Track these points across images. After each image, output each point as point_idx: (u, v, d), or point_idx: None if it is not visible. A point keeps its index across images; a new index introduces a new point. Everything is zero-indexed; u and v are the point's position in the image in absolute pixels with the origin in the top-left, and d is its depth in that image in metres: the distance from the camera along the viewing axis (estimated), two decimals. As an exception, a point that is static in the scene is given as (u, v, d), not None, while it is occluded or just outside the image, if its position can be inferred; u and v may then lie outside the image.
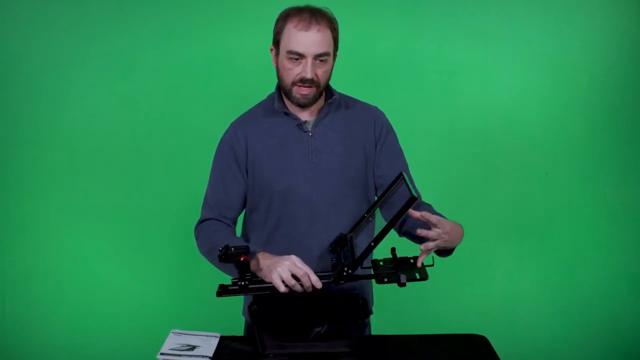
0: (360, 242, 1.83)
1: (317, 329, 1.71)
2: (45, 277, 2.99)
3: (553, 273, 3.11)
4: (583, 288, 3.09)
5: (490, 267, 3.11)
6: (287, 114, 1.84)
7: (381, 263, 1.72)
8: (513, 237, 3.10)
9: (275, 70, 1.84)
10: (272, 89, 1.90)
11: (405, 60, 2.97)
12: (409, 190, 1.56)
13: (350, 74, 2.64)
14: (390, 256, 1.72)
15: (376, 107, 1.95)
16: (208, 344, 1.77)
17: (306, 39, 1.72)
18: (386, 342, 1.82)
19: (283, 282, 1.59)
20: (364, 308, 1.77)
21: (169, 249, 3.00)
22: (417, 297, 2.94)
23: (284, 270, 1.59)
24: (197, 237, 1.86)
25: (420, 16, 2.96)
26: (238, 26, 2.91)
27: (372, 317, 2.02)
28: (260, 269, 1.64)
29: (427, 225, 1.61)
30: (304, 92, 1.77)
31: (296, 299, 1.67)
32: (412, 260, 1.69)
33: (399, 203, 1.62)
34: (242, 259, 1.57)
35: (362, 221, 1.80)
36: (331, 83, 1.85)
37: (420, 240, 1.69)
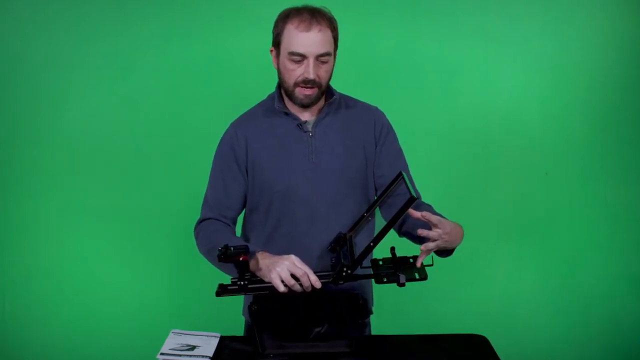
0: (360, 242, 1.83)
1: (317, 329, 1.71)
2: (45, 277, 2.99)
3: (553, 273, 3.11)
4: (583, 288, 3.09)
5: (490, 267, 3.11)
6: (287, 114, 1.84)
7: (381, 263, 1.72)
8: (513, 237, 3.10)
9: (275, 70, 1.84)
10: (272, 89, 1.90)
11: (405, 60, 2.97)
12: (409, 190, 1.56)
13: (350, 74, 2.64)
14: (390, 256, 1.72)
15: (376, 107, 1.95)
16: (208, 344, 1.77)
17: (307, 40, 1.72)
18: (386, 342, 1.82)
19: (282, 281, 1.59)
20: (363, 308, 1.77)
21: (169, 249, 3.00)
22: (417, 297, 2.94)
23: (283, 270, 1.59)
24: (196, 237, 1.86)
25: (420, 16, 2.96)
26: (238, 26, 2.91)
27: (372, 317, 2.02)
28: (260, 269, 1.64)
29: (428, 226, 1.61)
30: (307, 93, 1.77)
31: (296, 299, 1.67)
32: (411, 260, 1.69)
33: (398, 203, 1.62)
34: (241, 258, 1.58)
35: (362, 221, 1.80)
36: (331, 83, 1.85)
37: (420, 240, 1.69)
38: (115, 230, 3.00)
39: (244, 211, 1.93)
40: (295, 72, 1.76)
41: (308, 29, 1.72)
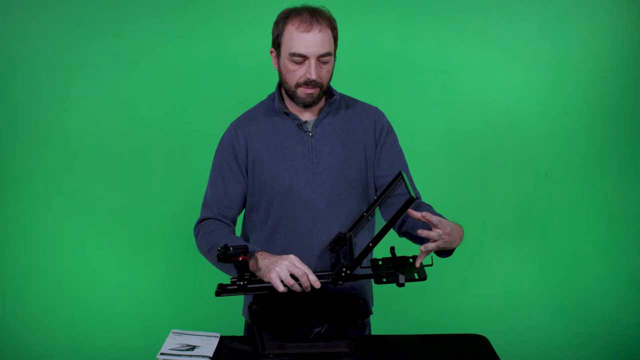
0: (360, 241, 1.83)
1: (317, 329, 1.71)
2: (45, 277, 3.00)
3: (553, 273, 3.11)
4: (583, 288, 3.09)
5: (490, 267, 3.11)
6: (288, 113, 1.84)
7: (380, 263, 1.72)
8: (513, 237, 3.10)
9: (275, 70, 1.84)
10: (272, 89, 1.90)
11: (405, 60, 2.97)
12: (408, 190, 1.56)
13: (350, 74, 2.64)
14: (390, 255, 1.72)
15: (377, 108, 1.95)
16: (208, 344, 1.77)
17: (308, 41, 1.72)
18: (386, 342, 1.82)
19: (282, 281, 1.59)
20: (363, 308, 1.77)
21: (169, 249, 3.01)
22: (417, 297, 2.95)
23: (283, 270, 1.59)
24: (196, 237, 1.86)
25: (420, 16, 2.96)
26: (238, 26, 2.91)
27: (372, 317, 2.02)
28: (259, 269, 1.64)
29: (428, 226, 1.61)
30: (309, 92, 1.77)
31: (296, 299, 1.68)
32: (411, 260, 1.69)
33: (398, 203, 1.62)
34: (240, 258, 1.57)
35: (361, 220, 1.80)
36: (332, 83, 1.85)
37: (420, 240, 1.70)
38: (115, 230, 3.00)
39: (243, 211, 1.93)
40: (297, 73, 1.76)
41: (309, 30, 1.72)
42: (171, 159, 2.98)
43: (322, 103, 1.86)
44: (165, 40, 2.91)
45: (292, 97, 1.80)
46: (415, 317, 2.99)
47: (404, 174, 1.70)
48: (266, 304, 1.68)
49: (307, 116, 1.85)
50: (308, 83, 1.75)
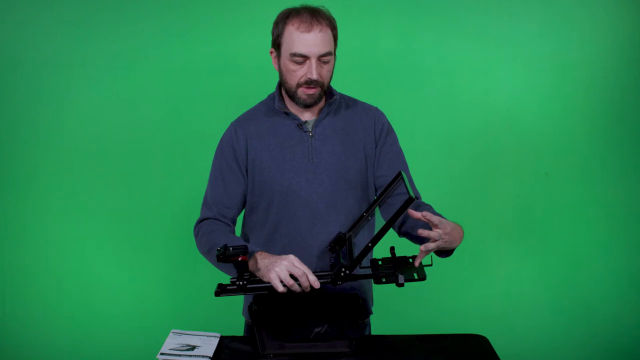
0: (359, 241, 1.83)
1: (317, 329, 1.71)
2: (45, 277, 2.99)
3: (553, 273, 3.11)
4: (583, 288, 3.09)
5: (490, 267, 3.11)
6: (288, 113, 1.84)
7: (380, 262, 1.72)
8: (513, 237, 3.10)
9: (275, 70, 1.84)
10: (272, 89, 1.90)
11: (405, 60, 2.97)
12: (407, 190, 1.56)
13: (350, 74, 2.64)
14: (389, 255, 1.72)
15: (377, 108, 1.95)
16: (208, 344, 1.77)
17: (309, 41, 1.72)
18: (386, 342, 1.81)
19: (281, 281, 1.59)
20: (363, 308, 1.77)
21: (169, 249, 3.00)
22: (417, 297, 2.95)
23: (282, 270, 1.59)
24: (196, 237, 1.86)
25: (420, 16, 2.96)
26: (238, 26, 2.91)
27: (372, 317, 2.02)
28: (259, 269, 1.64)
29: (428, 226, 1.61)
30: (310, 92, 1.77)
31: (296, 299, 1.67)
32: (410, 260, 1.69)
33: (397, 203, 1.62)
34: (240, 258, 1.57)
35: (361, 220, 1.80)
36: (332, 83, 1.85)
37: (420, 240, 1.70)
38: (115, 230, 3.00)
39: (243, 211, 1.93)
40: (298, 73, 1.76)
41: (309, 30, 1.72)
42: (171, 159, 2.98)
43: (322, 103, 1.86)
44: (165, 40, 2.91)
45: (293, 97, 1.80)
46: (415, 317, 2.99)
47: (403, 173, 1.70)
48: (266, 304, 1.68)
49: (307, 116, 1.85)
50: (309, 83, 1.75)
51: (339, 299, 1.71)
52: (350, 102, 1.92)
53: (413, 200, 1.52)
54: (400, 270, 1.64)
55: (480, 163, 3.05)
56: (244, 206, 1.91)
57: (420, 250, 1.61)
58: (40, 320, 3.00)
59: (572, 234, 3.09)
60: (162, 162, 2.98)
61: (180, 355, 1.70)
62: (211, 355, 1.72)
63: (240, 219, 1.95)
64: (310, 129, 1.84)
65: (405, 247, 1.83)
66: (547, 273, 3.11)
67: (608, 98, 3.02)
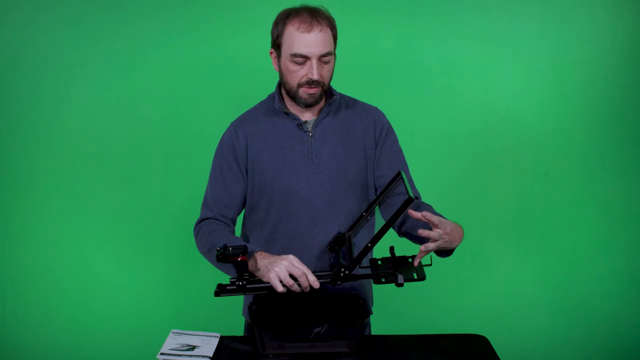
0: (359, 241, 1.83)
1: (317, 329, 1.71)
2: (45, 277, 2.99)
3: (553, 273, 3.11)
4: (583, 288, 3.09)
5: (490, 267, 3.11)
6: (288, 113, 1.84)
7: (380, 262, 1.72)
8: (513, 237, 3.10)
9: (275, 70, 1.84)
10: (272, 89, 1.90)
11: (405, 60, 2.97)
12: (407, 190, 1.56)
13: (350, 74, 2.64)
14: (389, 255, 1.72)
15: (377, 108, 1.95)
16: (208, 344, 1.77)
17: (309, 41, 1.72)
18: (386, 342, 1.82)
19: (281, 282, 1.59)
20: (363, 308, 1.77)
21: (169, 249, 3.01)
22: (417, 297, 2.95)
23: (282, 270, 1.59)
24: (196, 237, 1.86)
25: (420, 16, 2.96)
26: (238, 26, 2.91)
27: (372, 317, 2.02)
28: (258, 269, 1.64)
29: (428, 226, 1.61)
30: (311, 92, 1.77)
31: (296, 299, 1.68)
32: (410, 260, 1.69)
33: (397, 202, 1.62)
34: (239, 258, 1.57)
35: (361, 220, 1.80)
36: (332, 83, 1.85)
37: (420, 240, 1.70)
38: (115, 230, 3.00)
39: (243, 211, 1.93)
40: (298, 74, 1.76)
41: (309, 30, 1.72)
42: (171, 159, 2.98)
43: (322, 103, 1.86)
44: (165, 40, 2.91)
45: (294, 97, 1.80)
46: (415, 317, 3.00)
47: (403, 173, 1.71)
48: (266, 304, 1.68)
49: (307, 116, 1.85)
50: (310, 83, 1.75)
51: (338, 299, 1.71)
52: (350, 102, 1.92)
53: (412, 201, 1.52)
54: (399, 270, 1.64)
55: (480, 163, 3.05)
56: (244, 206, 1.91)
57: (420, 250, 1.61)
58: (40, 320, 3.00)
59: (571, 234, 3.09)
60: (162, 162, 2.98)
61: (180, 355, 1.70)
62: (211, 355, 1.72)
63: (240, 219, 1.95)
64: (310, 129, 1.84)
65: (405, 247, 1.83)
66: (546, 273, 3.11)
67: (607, 98, 3.02)
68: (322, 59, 1.75)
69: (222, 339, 1.82)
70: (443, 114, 3.01)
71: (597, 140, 3.05)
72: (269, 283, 1.61)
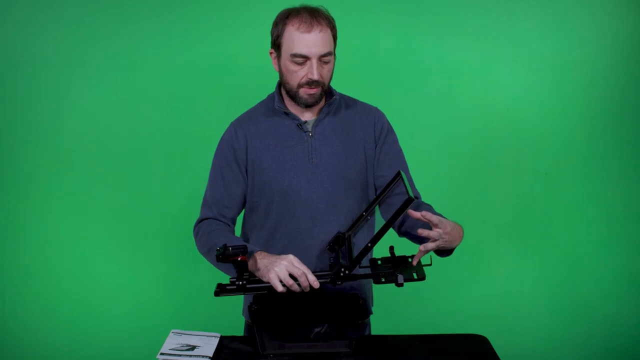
0: (359, 241, 1.83)
1: (317, 329, 1.71)
2: (45, 277, 3.00)
3: (553, 273, 3.11)
4: (583, 288, 3.09)
5: (490, 267, 3.11)
6: (288, 113, 1.84)
7: (379, 262, 1.72)
8: (513, 237, 3.10)
9: (275, 70, 1.84)
10: (272, 89, 1.90)
11: (405, 60, 2.97)
12: (407, 190, 1.56)
13: (350, 74, 2.64)
14: (389, 255, 1.72)
15: (376, 108, 1.95)
16: (208, 344, 1.77)
17: (309, 41, 1.72)
18: (386, 342, 1.82)
19: (281, 281, 1.59)
20: (363, 308, 1.77)
21: (169, 249, 3.01)
22: (417, 297, 2.95)
23: (282, 269, 1.59)
24: (196, 237, 1.86)
25: (420, 16, 2.96)
26: (238, 26, 2.91)
27: (372, 317, 2.02)
28: (258, 269, 1.64)
29: (428, 225, 1.61)
30: (311, 92, 1.77)
31: (296, 299, 1.68)
32: (410, 259, 1.69)
33: (397, 202, 1.62)
34: (239, 258, 1.57)
35: (360, 220, 1.80)
36: (331, 83, 1.85)
37: (420, 240, 1.70)
38: (115, 230, 3.00)
39: (243, 211, 1.93)
40: (299, 74, 1.76)
41: (309, 30, 1.72)
42: (171, 159, 2.98)
43: (322, 103, 1.86)
44: (165, 40, 2.91)
45: (294, 97, 1.80)
46: (415, 317, 2.99)
47: (402, 173, 1.70)
48: (266, 304, 1.68)
49: (307, 116, 1.85)
50: (310, 83, 1.75)
51: (338, 299, 1.71)
52: (350, 102, 1.92)
53: (412, 201, 1.52)
54: (399, 270, 1.64)
55: (480, 163, 3.05)
56: (243, 206, 1.91)
57: (419, 250, 1.61)
58: (40, 320, 3.00)
59: (571, 234, 3.09)
60: (162, 162, 2.98)
61: (180, 355, 1.70)
62: (211, 355, 1.72)
63: (240, 219, 1.95)
64: (310, 129, 1.84)
65: (405, 247, 1.83)
66: (546, 273, 3.11)
67: (607, 98, 3.02)
68: (322, 59, 1.75)
69: (222, 339, 1.82)
70: (443, 114, 3.01)
71: (597, 140, 3.05)
72: (268, 283, 1.61)
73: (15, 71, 2.89)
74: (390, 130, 1.93)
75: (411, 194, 1.53)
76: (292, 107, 1.85)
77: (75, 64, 2.90)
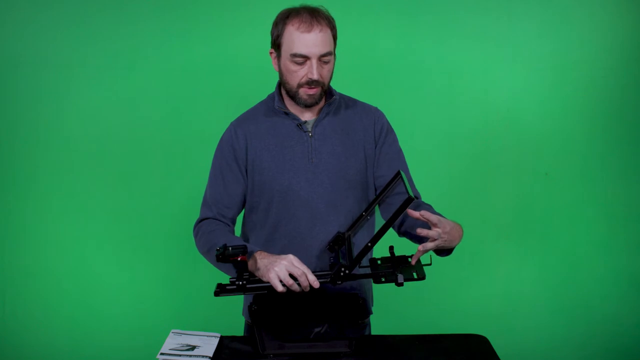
0: (359, 241, 1.83)
1: (317, 329, 1.71)
2: (45, 277, 3.00)
3: (553, 273, 3.11)
4: (583, 288, 3.09)
5: (489, 267, 3.11)
6: (288, 113, 1.84)
7: (379, 262, 1.73)
8: (513, 237, 3.10)
9: (274, 70, 1.84)
10: (272, 89, 1.90)
11: (405, 60, 2.97)
12: (406, 190, 1.56)
13: (350, 74, 2.64)
14: (389, 255, 1.72)
15: (376, 108, 1.95)
16: (208, 344, 1.77)
17: (309, 41, 1.72)
18: (386, 342, 1.82)
19: (281, 281, 1.59)
20: (363, 308, 1.77)
21: (169, 249, 3.01)
22: (417, 297, 2.95)
23: (282, 269, 1.59)
24: (195, 236, 1.86)
25: (419, 16, 2.96)
26: (238, 26, 2.91)
27: (372, 317, 2.02)
28: (258, 269, 1.64)
29: (428, 225, 1.61)
30: (311, 92, 1.77)
31: (296, 299, 1.68)
32: (409, 259, 1.69)
33: (397, 202, 1.62)
34: (239, 258, 1.57)
35: (360, 220, 1.80)
36: (331, 83, 1.85)
37: (420, 239, 1.70)
38: (115, 230, 3.00)
39: (243, 211, 1.93)
40: (299, 74, 1.76)
41: (309, 30, 1.72)
42: (171, 159, 2.98)
43: (322, 103, 1.86)
44: (165, 40, 2.91)
45: (294, 97, 1.80)
46: (415, 317, 2.99)
47: (402, 173, 1.70)
48: (266, 304, 1.68)
49: (307, 116, 1.85)
50: (310, 83, 1.75)
51: (338, 299, 1.71)
52: (350, 102, 1.92)
53: (412, 200, 1.52)
54: (399, 269, 1.64)
55: (480, 163, 3.05)
56: (243, 206, 1.91)
57: (418, 250, 1.61)
58: (40, 320, 3.00)
59: (571, 234, 3.09)
60: (162, 162, 2.98)
61: (180, 355, 1.70)
62: (211, 355, 1.72)
63: (240, 219, 1.95)
64: (310, 129, 1.84)
65: (404, 247, 1.83)
66: (546, 273, 3.11)
67: (607, 98, 3.02)
68: (322, 59, 1.75)
69: (222, 339, 1.82)
70: (443, 114, 3.01)
71: (597, 140, 3.05)
72: (268, 283, 1.61)
73: (15, 71, 2.89)
74: (390, 130, 1.93)
75: (411, 194, 1.53)
76: (292, 107, 1.85)
77: (75, 64, 2.90)
